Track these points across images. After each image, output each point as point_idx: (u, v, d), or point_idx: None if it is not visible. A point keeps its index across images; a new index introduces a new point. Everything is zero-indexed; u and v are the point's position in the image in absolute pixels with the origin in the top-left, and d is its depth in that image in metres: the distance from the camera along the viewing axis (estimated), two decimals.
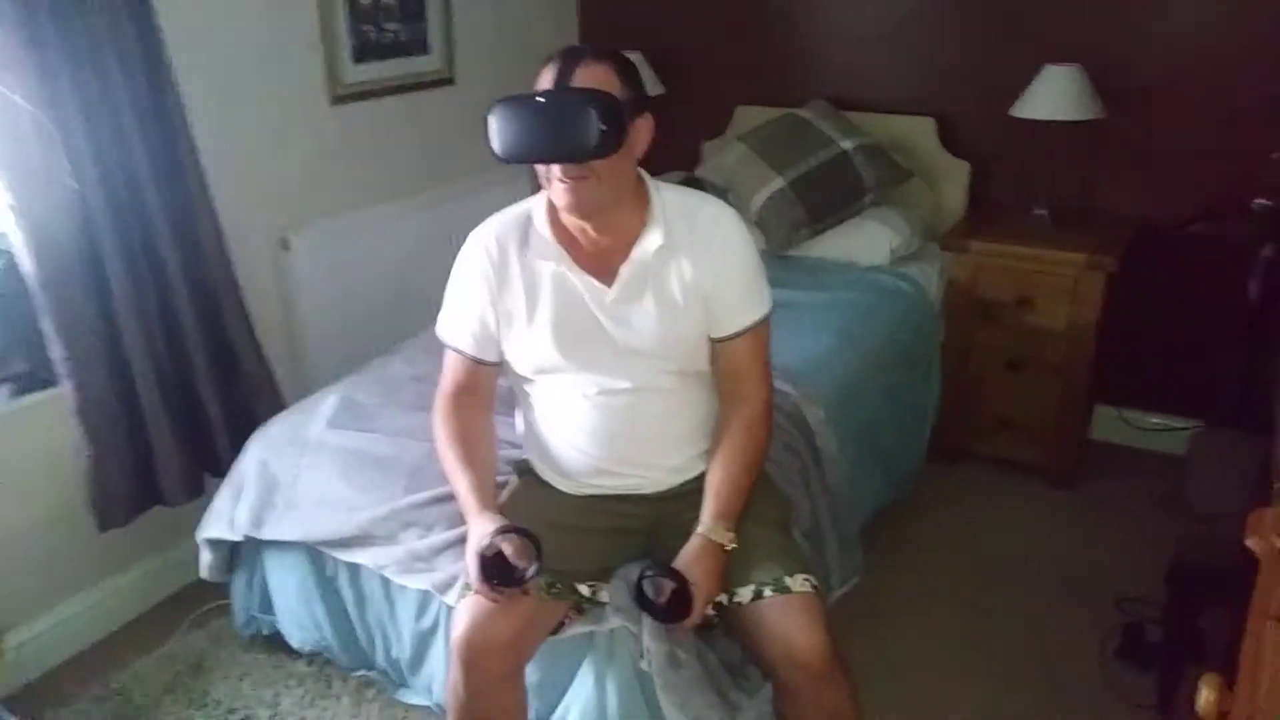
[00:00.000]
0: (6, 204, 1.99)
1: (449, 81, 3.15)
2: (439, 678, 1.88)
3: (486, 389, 1.73)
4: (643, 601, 1.55)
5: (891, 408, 2.55)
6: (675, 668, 1.58)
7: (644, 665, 1.59)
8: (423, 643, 1.90)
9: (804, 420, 2.14)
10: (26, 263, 2.03)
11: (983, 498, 2.86)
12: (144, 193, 2.18)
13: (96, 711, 2.11)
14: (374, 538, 1.85)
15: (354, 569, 1.95)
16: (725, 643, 1.69)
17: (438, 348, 1.78)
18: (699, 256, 1.58)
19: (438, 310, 1.74)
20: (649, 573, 1.54)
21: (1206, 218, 2.75)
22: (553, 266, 1.59)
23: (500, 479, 1.77)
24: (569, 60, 1.45)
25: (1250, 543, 1.13)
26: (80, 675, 2.24)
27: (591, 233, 1.56)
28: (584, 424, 1.65)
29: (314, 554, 1.99)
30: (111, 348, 2.17)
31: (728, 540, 1.55)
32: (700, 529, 1.56)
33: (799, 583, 1.54)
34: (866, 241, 2.94)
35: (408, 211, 3.00)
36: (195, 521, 2.15)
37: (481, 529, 1.53)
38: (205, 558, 2.14)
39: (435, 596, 1.78)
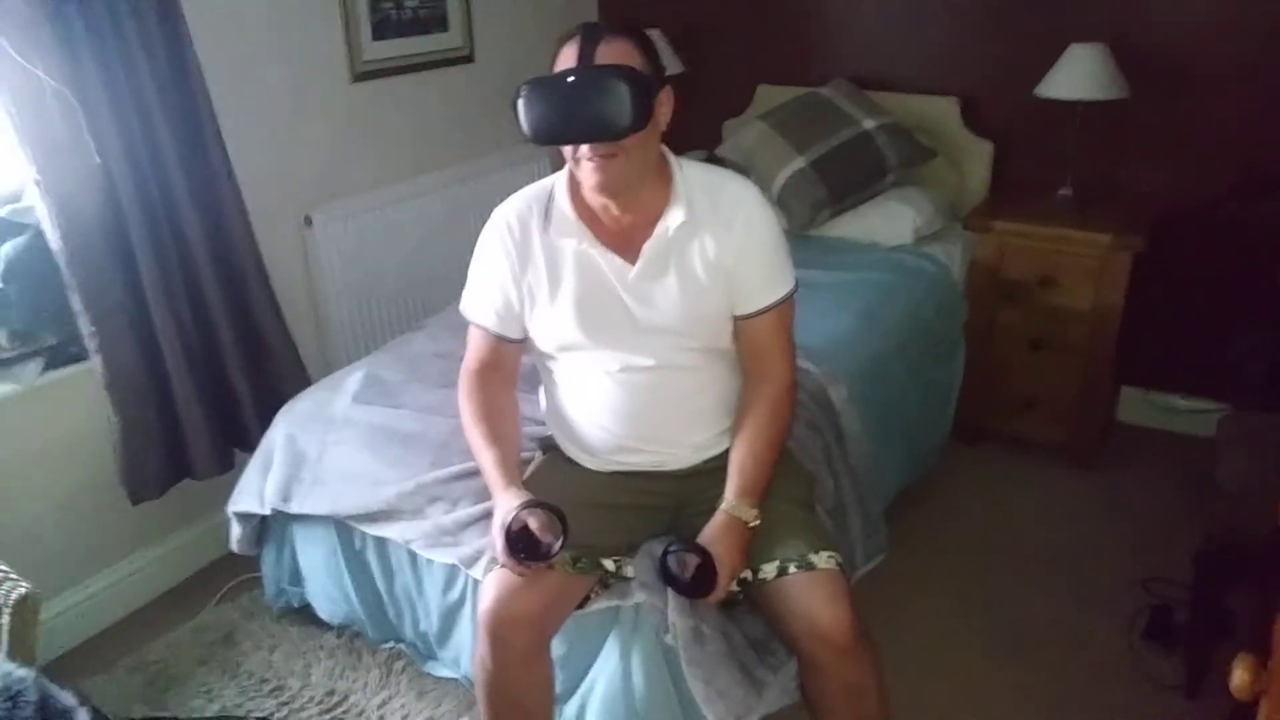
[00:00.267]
0: (32, 179, 2.02)
1: (468, 59, 3.15)
2: (466, 650, 1.90)
3: (510, 365, 1.74)
4: (667, 577, 1.56)
5: (914, 387, 2.55)
6: (700, 643, 1.59)
7: (669, 640, 1.61)
8: (450, 616, 1.92)
9: (827, 399, 2.14)
10: (53, 238, 2.06)
11: (1006, 478, 2.86)
12: (168, 168, 2.20)
13: (131, 681, 2.15)
14: (401, 512, 1.86)
15: (381, 543, 1.97)
16: (750, 619, 1.70)
17: (460, 324, 1.79)
18: (722, 233, 1.58)
19: (459, 287, 1.75)
20: (674, 548, 1.55)
21: (1235, 197, 2.72)
22: (575, 243, 1.59)
23: (525, 455, 1.79)
24: (590, 37, 1.44)
25: None
26: (114, 646, 2.28)
27: (614, 210, 1.56)
28: (607, 401, 1.65)
29: (342, 528, 2.02)
30: (139, 322, 2.20)
31: (752, 517, 1.56)
32: (724, 505, 1.56)
33: (824, 559, 1.55)
34: (889, 221, 2.92)
35: (429, 188, 3.01)
36: (226, 495, 2.18)
37: (507, 504, 1.54)
38: (235, 531, 2.17)
39: (462, 570, 1.80)
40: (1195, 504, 2.11)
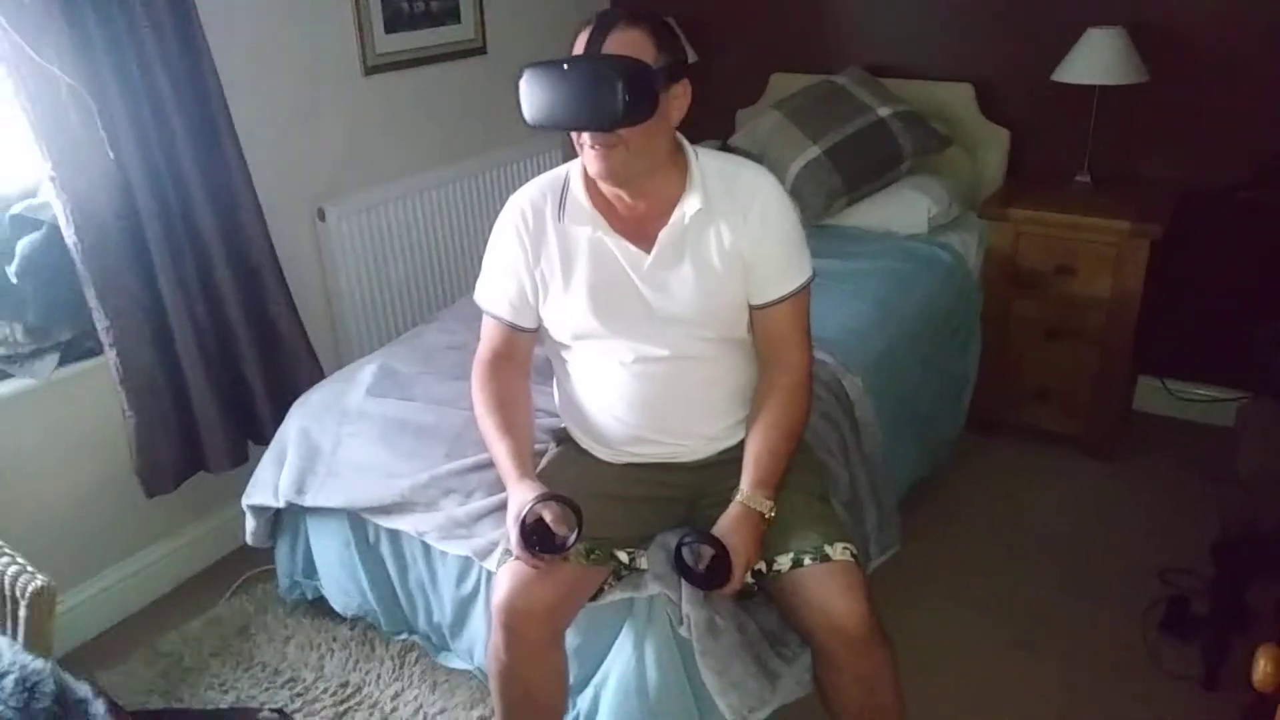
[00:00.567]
0: (47, 175, 2.02)
1: (481, 51, 3.14)
2: (480, 642, 1.90)
3: (524, 355, 1.74)
4: (682, 568, 1.55)
5: (930, 378, 2.53)
6: (714, 635, 1.59)
7: (683, 632, 1.60)
8: (463, 608, 1.93)
9: (842, 390, 2.12)
10: (68, 233, 2.07)
11: (1022, 469, 2.83)
12: (182, 163, 2.21)
13: (146, 673, 2.16)
14: (414, 504, 1.86)
15: (395, 535, 1.98)
16: (764, 610, 1.69)
17: (473, 316, 1.79)
18: (738, 222, 1.57)
19: (473, 279, 1.74)
20: (688, 540, 1.55)
21: (1254, 184, 2.68)
22: (589, 231, 1.59)
23: (539, 446, 1.78)
24: (602, 25, 1.43)
25: None
26: (130, 638, 2.30)
27: (628, 198, 1.55)
28: (621, 392, 1.65)
29: (355, 520, 2.02)
30: (154, 316, 2.21)
31: (767, 508, 1.55)
32: (740, 497, 1.55)
33: (839, 551, 1.54)
34: (904, 210, 2.90)
35: (442, 181, 3.01)
36: (240, 488, 2.18)
37: (522, 496, 1.54)
38: (250, 524, 2.18)
39: (476, 562, 1.80)
40: (1213, 494, 2.08)
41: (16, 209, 2.19)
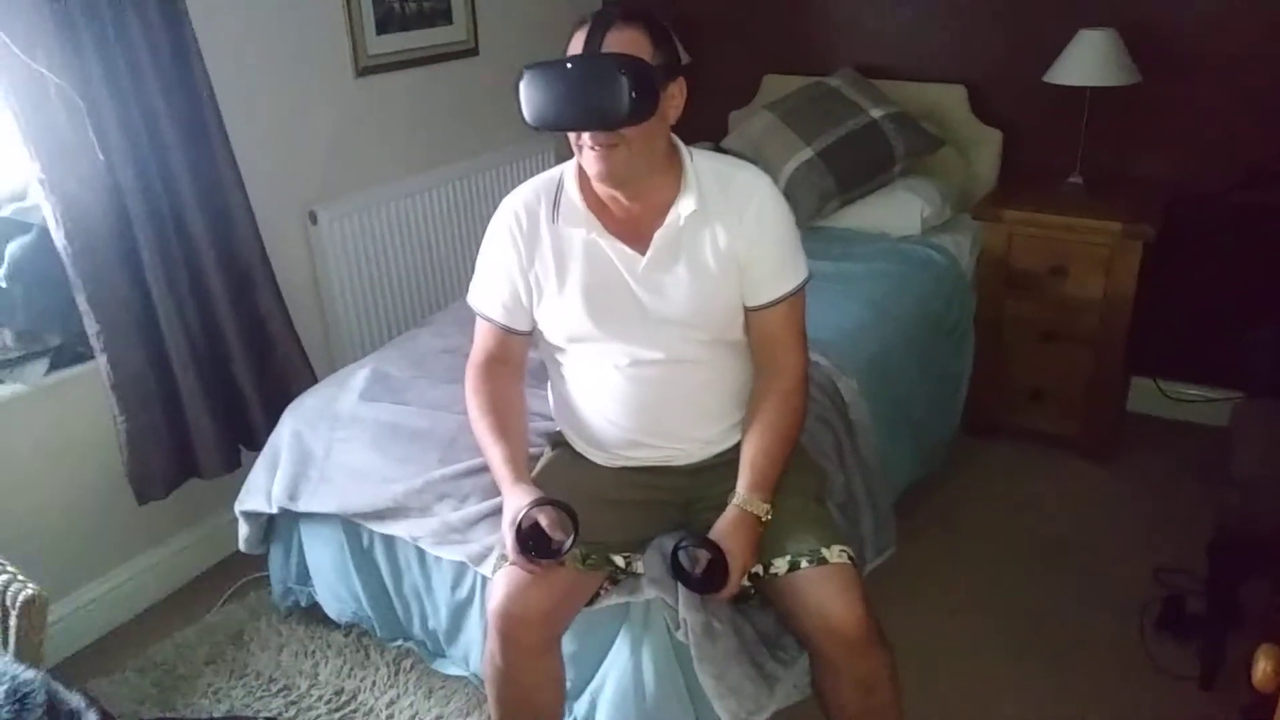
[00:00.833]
0: (37, 178, 2.01)
1: (473, 52, 3.13)
2: (476, 648, 1.89)
3: (518, 359, 1.73)
4: (678, 572, 1.55)
5: (924, 379, 2.53)
6: (711, 639, 1.58)
7: (680, 636, 1.60)
8: (459, 614, 1.91)
9: (837, 392, 2.12)
10: (58, 237, 2.05)
11: (1017, 470, 2.84)
12: (172, 166, 2.19)
13: (139, 682, 2.15)
14: (409, 510, 1.85)
15: (389, 541, 1.97)
16: (761, 614, 1.69)
17: (467, 320, 1.78)
18: (733, 223, 1.56)
19: (466, 282, 1.73)
20: (684, 544, 1.54)
21: (1246, 185, 2.69)
22: (584, 233, 1.58)
23: (534, 450, 1.77)
24: (599, 24, 1.42)
25: None
26: (122, 647, 2.28)
27: (623, 200, 1.55)
28: (616, 396, 1.64)
29: (349, 526, 2.01)
30: (145, 321, 2.19)
31: (763, 511, 1.54)
32: (735, 500, 1.55)
33: (835, 554, 1.53)
34: (897, 211, 2.90)
35: (434, 183, 3.00)
36: (233, 494, 2.17)
37: (517, 501, 1.53)
38: (243, 530, 2.17)
39: (471, 568, 1.79)
40: (1207, 494, 2.08)
41: (5, 212, 2.18)
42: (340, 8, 2.68)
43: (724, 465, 1.64)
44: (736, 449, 1.63)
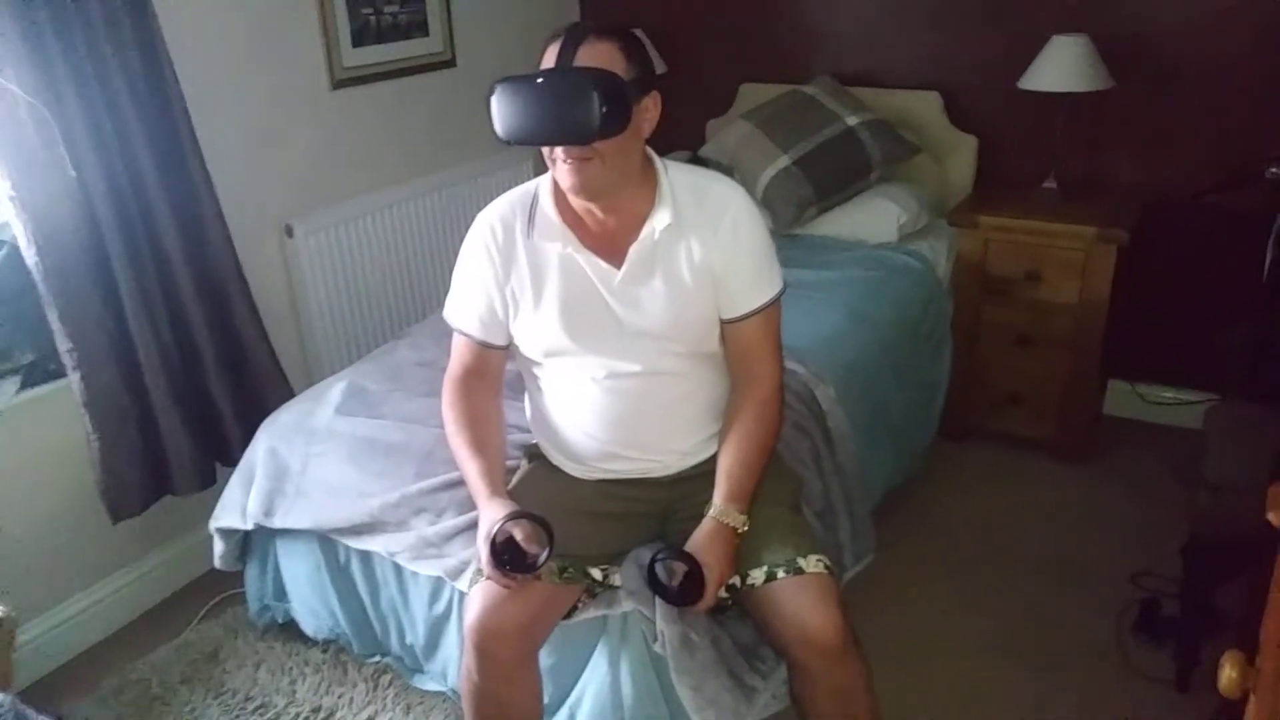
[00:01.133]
0: (6, 194, 1.99)
1: (450, 64, 3.13)
2: (454, 663, 1.88)
3: (495, 373, 1.72)
4: (655, 585, 1.54)
5: (902, 385, 2.54)
6: (689, 650, 1.58)
7: (658, 648, 1.59)
8: (436, 629, 1.90)
9: (814, 399, 2.12)
10: (28, 253, 2.03)
11: (995, 475, 2.85)
12: (145, 181, 2.17)
13: (114, 702, 2.12)
14: (385, 524, 1.84)
15: (366, 556, 1.95)
16: (739, 625, 1.69)
17: (443, 333, 1.77)
18: (708, 236, 1.56)
19: (443, 294, 1.73)
20: (661, 556, 1.54)
21: (1219, 188, 2.71)
22: (559, 248, 1.57)
23: (510, 463, 1.77)
24: (572, 38, 1.42)
25: (1271, 516, 1.12)
26: (97, 666, 2.25)
27: (598, 213, 1.55)
28: (593, 408, 1.63)
29: (326, 542, 1.99)
30: (118, 338, 2.17)
31: (740, 523, 1.54)
32: (712, 512, 1.55)
33: (812, 563, 1.53)
34: (874, 218, 2.91)
35: (411, 196, 2.99)
36: (208, 511, 2.15)
37: (492, 515, 1.52)
38: (218, 547, 2.15)
39: (448, 582, 1.78)
40: (1184, 496, 2.10)
41: None
42: (315, 20, 2.67)
43: (701, 476, 1.64)
44: (714, 460, 1.63)
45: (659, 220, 1.54)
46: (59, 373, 2.18)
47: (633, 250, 1.55)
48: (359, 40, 2.80)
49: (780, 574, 1.52)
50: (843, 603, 1.53)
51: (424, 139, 3.09)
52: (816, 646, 1.49)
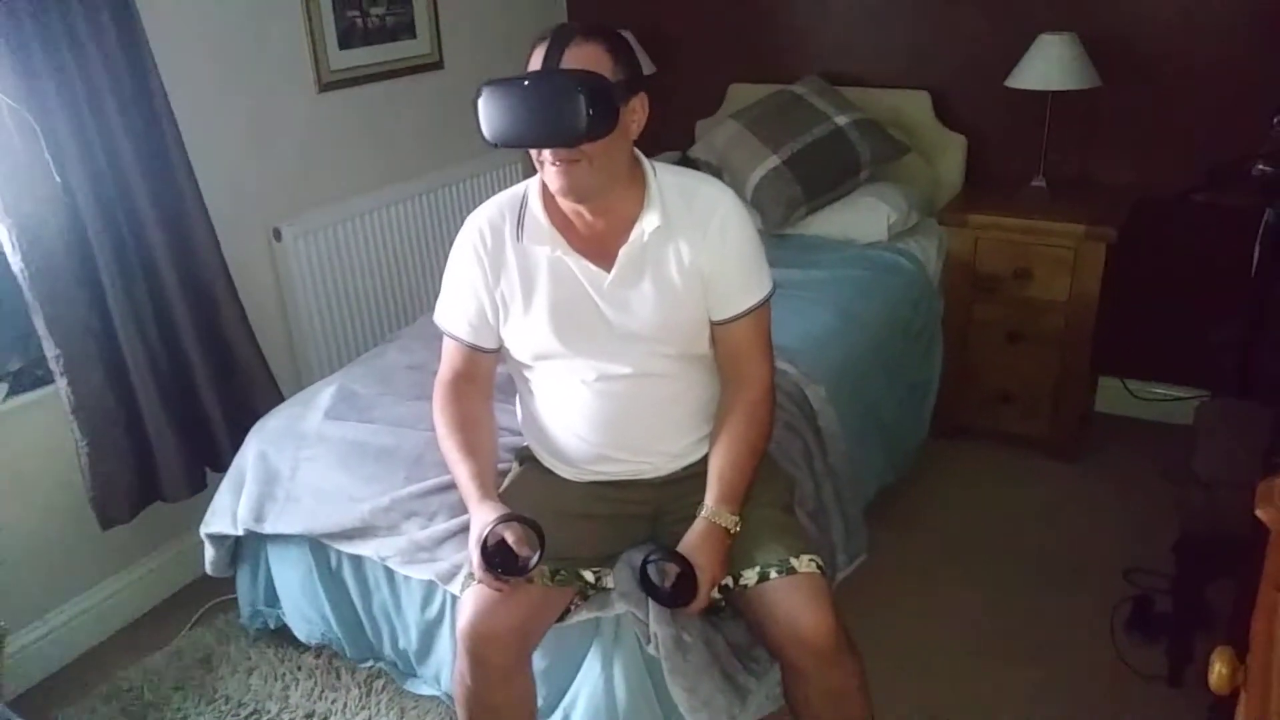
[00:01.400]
0: None
1: (437, 66, 3.12)
2: (447, 667, 1.87)
3: (485, 376, 1.72)
4: (648, 586, 1.54)
5: (892, 385, 2.54)
6: (682, 652, 1.58)
7: (651, 650, 1.59)
8: (429, 633, 1.90)
9: (805, 399, 2.12)
10: (14, 260, 2.02)
11: (987, 473, 2.85)
12: (131, 186, 2.16)
13: (105, 710, 2.11)
14: (376, 529, 1.84)
15: (357, 560, 1.95)
16: (732, 626, 1.69)
17: (433, 336, 1.77)
18: (697, 238, 1.56)
19: (432, 297, 1.72)
20: (653, 557, 1.54)
21: (1206, 186, 2.72)
22: (549, 251, 1.57)
23: (502, 466, 1.76)
24: (559, 40, 1.42)
25: (1260, 513, 1.12)
26: (88, 674, 2.24)
27: (587, 216, 1.54)
28: (584, 410, 1.63)
29: (317, 546, 1.98)
30: (105, 343, 2.16)
31: (732, 524, 1.54)
32: (704, 513, 1.55)
33: (804, 563, 1.53)
34: (864, 218, 2.91)
35: (399, 198, 2.98)
36: (198, 517, 2.14)
37: (483, 517, 1.52)
38: (209, 553, 2.14)
39: (440, 586, 1.77)
40: (1175, 493, 2.11)
41: None
42: (301, 22, 2.66)
43: (692, 478, 1.64)
44: (705, 462, 1.63)
45: (648, 222, 1.54)
46: (46, 379, 2.17)
47: (622, 253, 1.55)
48: (345, 42, 2.79)
49: (773, 574, 1.52)
50: (835, 602, 1.53)
51: (412, 141, 3.08)
52: (809, 646, 1.49)
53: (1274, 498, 1.11)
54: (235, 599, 2.26)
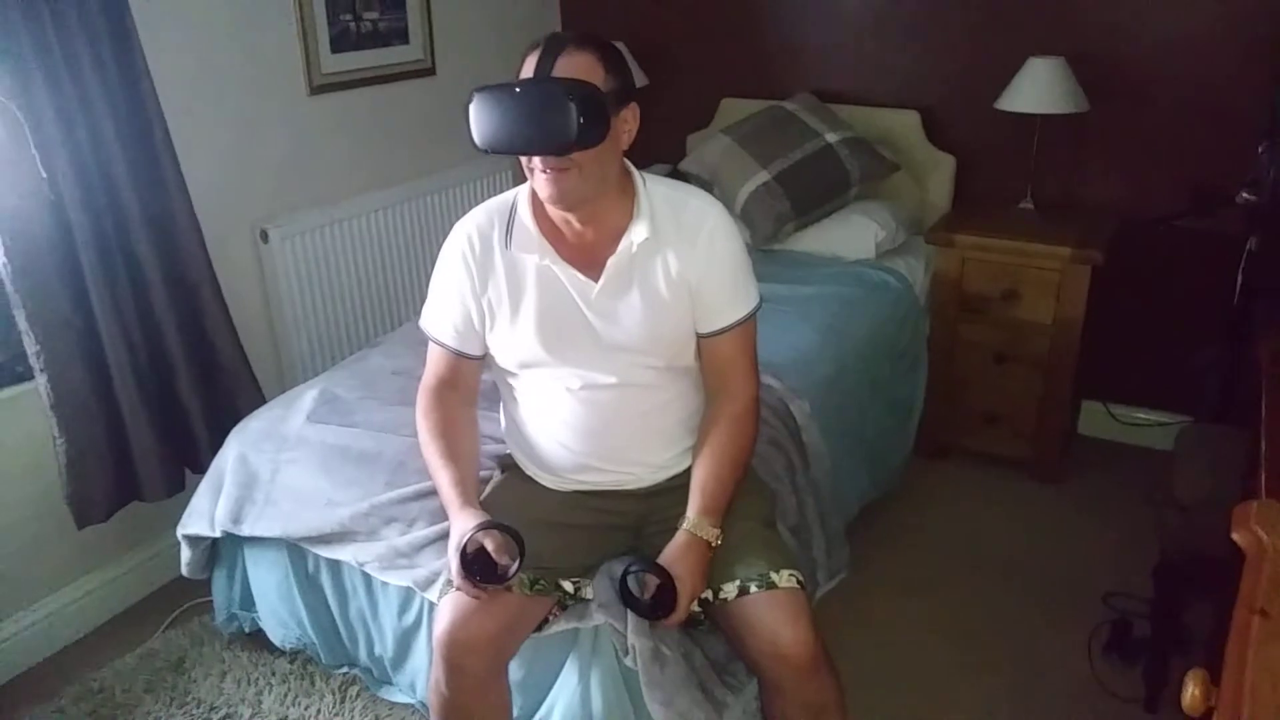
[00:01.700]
0: None
1: (429, 71, 3.12)
2: (422, 675, 1.86)
3: (469, 383, 1.71)
4: (627, 598, 1.54)
5: (877, 402, 2.55)
6: (660, 664, 1.57)
7: (629, 662, 1.58)
8: (405, 640, 1.88)
9: (789, 415, 2.12)
10: None
11: (969, 493, 2.86)
12: (118, 184, 2.15)
13: (76, 710, 2.08)
14: (355, 534, 1.82)
15: (335, 565, 1.93)
16: (711, 639, 1.68)
17: (417, 341, 1.76)
18: (685, 250, 1.56)
19: (418, 302, 1.72)
20: (634, 569, 1.53)
21: (1192, 211, 2.75)
22: (537, 259, 1.57)
23: (484, 474, 1.75)
24: (551, 48, 1.42)
25: (1236, 536, 1.12)
26: (60, 674, 2.21)
27: (576, 224, 1.54)
28: (568, 419, 1.63)
29: (295, 550, 1.97)
30: (87, 341, 2.14)
31: (713, 537, 1.54)
32: (685, 525, 1.54)
33: (785, 578, 1.53)
34: (852, 235, 2.93)
35: (388, 203, 2.97)
36: (176, 517, 2.12)
37: (463, 525, 1.51)
38: (185, 554, 2.12)
39: (418, 593, 1.76)
40: (1156, 517, 2.12)
41: None
42: (294, 26, 2.65)
43: (675, 490, 1.63)
44: (688, 473, 1.63)
45: (636, 233, 1.54)
46: (26, 375, 2.15)
47: (610, 263, 1.55)
48: (338, 46, 2.79)
49: (753, 588, 1.52)
50: (815, 618, 1.52)
51: (402, 146, 3.07)
52: (788, 662, 1.48)
53: (1250, 521, 1.12)
54: (210, 602, 2.24)
